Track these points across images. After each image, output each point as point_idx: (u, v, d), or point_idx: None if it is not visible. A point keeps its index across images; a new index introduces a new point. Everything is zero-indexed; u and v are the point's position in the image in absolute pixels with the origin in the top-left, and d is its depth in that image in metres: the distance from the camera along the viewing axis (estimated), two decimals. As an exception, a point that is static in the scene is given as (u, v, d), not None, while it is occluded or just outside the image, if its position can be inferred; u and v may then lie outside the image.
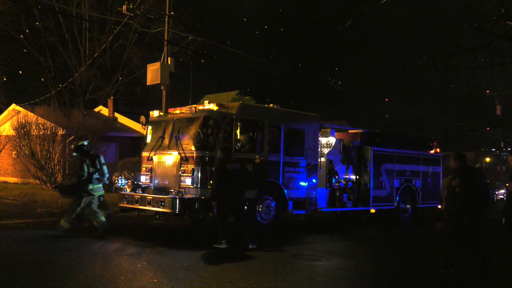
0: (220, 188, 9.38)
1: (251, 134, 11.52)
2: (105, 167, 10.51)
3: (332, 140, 13.92)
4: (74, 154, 11.04)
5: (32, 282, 6.69)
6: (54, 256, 8.51)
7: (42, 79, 33.01)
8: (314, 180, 12.80)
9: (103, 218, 10.33)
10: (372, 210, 14.66)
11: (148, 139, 12.26)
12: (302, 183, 12.49)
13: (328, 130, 13.91)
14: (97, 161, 10.40)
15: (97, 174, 10.33)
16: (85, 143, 10.63)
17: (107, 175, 10.59)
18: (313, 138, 12.98)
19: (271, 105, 12.64)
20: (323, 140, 13.76)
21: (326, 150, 13.77)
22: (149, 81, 18.16)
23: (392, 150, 15.27)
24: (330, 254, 9.57)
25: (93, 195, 10.29)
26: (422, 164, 16.25)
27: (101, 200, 10.74)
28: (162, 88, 18.08)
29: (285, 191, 11.97)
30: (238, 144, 11.06)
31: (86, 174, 10.12)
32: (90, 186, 10.23)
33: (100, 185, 10.46)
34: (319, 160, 13.27)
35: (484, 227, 7.90)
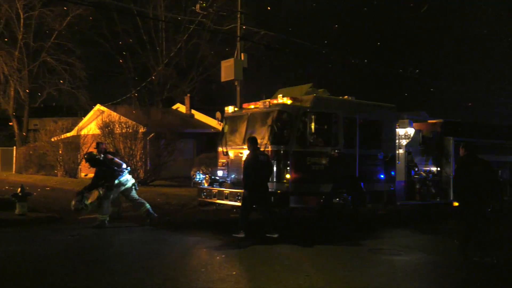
0: (252, 179, 9.64)
1: (325, 127, 11.36)
2: (115, 159, 11.57)
3: (410, 131, 13.44)
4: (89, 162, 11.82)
5: (116, 274, 7.03)
6: (137, 248, 8.92)
7: (124, 80, 34.61)
8: (392, 173, 12.43)
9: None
10: (456, 203, 14.00)
11: (224, 135, 12.48)
12: (379, 176, 12.18)
13: (406, 120, 13.42)
14: (108, 160, 11.31)
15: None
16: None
17: (124, 164, 11.57)
18: (390, 129, 12.61)
19: (346, 97, 12.42)
20: (400, 131, 13.32)
21: (404, 142, 13.31)
22: (223, 78, 18.46)
23: (476, 140, 14.49)
24: (410, 248, 9.28)
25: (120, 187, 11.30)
26: (511, 154, 15.30)
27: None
28: (236, 84, 18.32)
29: (362, 184, 11.73)
30: (313, 137, 10.96)
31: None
32: (117, 181, 11.19)
33: (124, 176, 11.36)
34: (397, 152, 12.87)
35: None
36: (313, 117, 10.93)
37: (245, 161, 10.08)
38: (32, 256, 8.13)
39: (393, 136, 12.70)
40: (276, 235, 9.47)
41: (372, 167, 12.12)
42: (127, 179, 11.51)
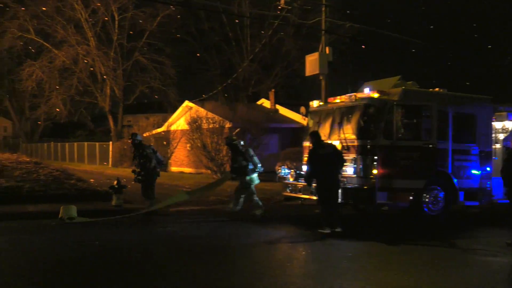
0: (312, 173, 9.64)
1: (415, 121, 10.90)
2: (255, 158, 11.38)
3: (508, 124, 12.56)
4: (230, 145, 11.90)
5: (207, 264, 7.22)
6: (226, 241, 9.12)
7: (210, 76, 35.57)
8: (488, 169, 11.71)
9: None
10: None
11: (309, 129, 12.39)
12: (474, 172, 11.52)
13: (504, 113, 12.56)
14: (247, 154, 11.28)
15: (251, 165, 11.20)
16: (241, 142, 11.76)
17: (260, 165, 11.43)
18: (485, 122, 11.87)
19: (437, 89, 11.86)
20: (497, 124, 12.49)
21: (501, 136, 12.47)
22: (307, 72, 18.36)
23: None
24: (508, 249, 8.66)
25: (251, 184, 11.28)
26: None
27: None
28: (320, 78, 18.14)
29: (455, 180, 11.14)
30: (401, 131, 10.58)
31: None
32: (247, 178, 11.18)
33: (254, 175, 11.36)
34: (494, 146, 12.09)
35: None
36: (401, 110, 10.54)
37: (307, 156, 10.19)
38: (127, 244, 8.58)
39: (489, 129, 11.95)
40: (327, 231, 9.23)
41: (465, 163, 11.49)
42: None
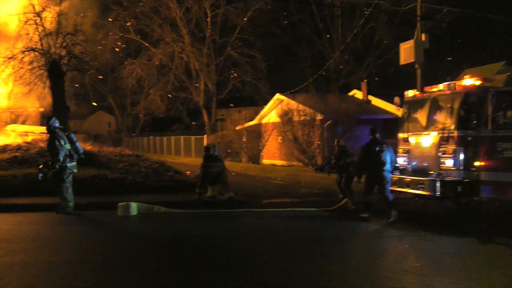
0: (362, 166, 10.61)
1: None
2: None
3: None
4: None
5: (299, 257, 7.23)
6: (318, 234, 9.07)
7: (300, 69, 35.51)
8: None
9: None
10: None
11: (404, 120, 11.94)
12: None
13: None
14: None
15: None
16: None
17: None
18: None
19: (550, 74, 10.88)
20: None
21: None
22: (402, 61, 17.65)
23: None
24: None
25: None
26: None
27: None
28: (416, 66, 17.37)
29: None
30: (507, 120, 9.82)
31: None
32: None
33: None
34: None
35: None
36: (507, 98, 9.79)
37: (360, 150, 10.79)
38: (222, 234, 8.83)
39: None
40: (366, 215, 10.20)
41: None
42: None
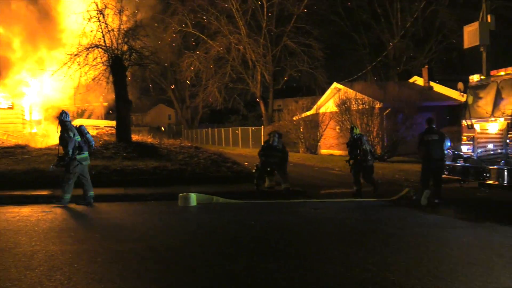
0: (421, 154, 10.91)
1: None
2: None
3: None
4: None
5: (356, 246, 7.13)
6: (379, 224, 8.91)
7: (358, 56, 34.82)
8: None
9: None
10: None
11: (468, 106, 11.45)
12: None
13: None
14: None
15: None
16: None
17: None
18: None
19: None
20: None
21: None
22: (466, 44, 16.92)
23: None
24: None
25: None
26: None
27: None
28: (481, 49, 16.61)
29: None
30: None
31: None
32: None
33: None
34: None
35: None
36: None
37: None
38: (280, 224, 8.86)
39: None
40: (437, 201, 10.49)
41: None
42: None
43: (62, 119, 10.74)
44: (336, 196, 12.18)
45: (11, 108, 23.51)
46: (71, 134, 10.54)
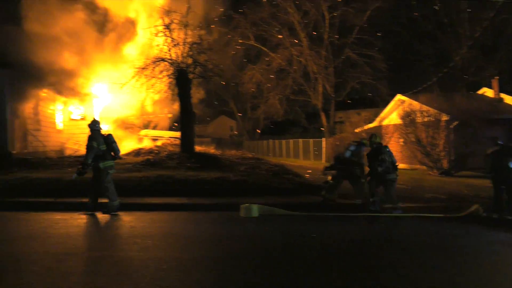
0: (488, 165, 11.09)
1: None
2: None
3: None
4: None
5: (421, 263, 6.89)
6: (446, 240, 8.59)
7: (423, 67, 33.88)
8: None
9: None
10: None
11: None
12: None
13: None
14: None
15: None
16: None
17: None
18: None
19: None
20: None
21: None
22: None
23: None
24: None
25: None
26: None
27: None
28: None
29: None
30: None
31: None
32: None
33: None
34: None
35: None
36: None
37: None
38: (343, 238, 8.72)
39: None
40: (495, 216, 10.60)
41: None
42: None
43: (92, 127, 11.10)
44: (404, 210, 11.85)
45: (83, 119, 24.74)
46: (94, 144, 10.81)
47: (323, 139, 33.79)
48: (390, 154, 11.78)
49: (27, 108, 18.52)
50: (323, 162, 31.69)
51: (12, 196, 12.21)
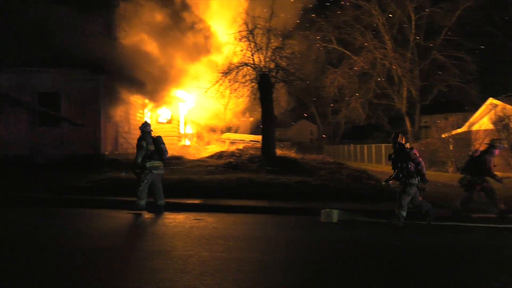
0: None
1: None
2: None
3: None
4: None
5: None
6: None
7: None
8: None
9: None
10: None
11: None
12: None
13: None
14: None
15: None
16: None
17: None
18: None
19: None
20: None
21: None
22: None
23: None
24: None
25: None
26: None
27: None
28: None
29: None
30: None
31: None
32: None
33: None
34: None
35: None
36: None
37: None
38: (424, 247, 8.39)
39: None
40: None
41: None
42: None
43: (142, 128, 11.48)
44: (490, 221, 11.18)
45: (169, 122, 25.78)
46: (143, 144, 11.17)
47: (407, 144, 32.62)
48: (412, 159, 10.53)
49: (119, 112, 19.60)
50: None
51: (102, 195, 12.99)
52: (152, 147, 11.32)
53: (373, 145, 40.01)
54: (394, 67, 33.54)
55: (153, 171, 11.29)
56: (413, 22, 32.83)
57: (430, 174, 25.35)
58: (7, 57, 17.12)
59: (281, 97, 21.63)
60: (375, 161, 38.00)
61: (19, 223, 10.01)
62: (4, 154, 17.57)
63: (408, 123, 35.34)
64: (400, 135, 10.75)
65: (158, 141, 11.47)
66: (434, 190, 12.34)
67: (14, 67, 17.51)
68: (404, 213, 10.35)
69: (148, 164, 11.23)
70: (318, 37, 35.32)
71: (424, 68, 33.76)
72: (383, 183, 10.90)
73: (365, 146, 41.82)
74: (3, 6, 17.30)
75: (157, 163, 11.40)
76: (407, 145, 10.75)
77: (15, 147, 17.72)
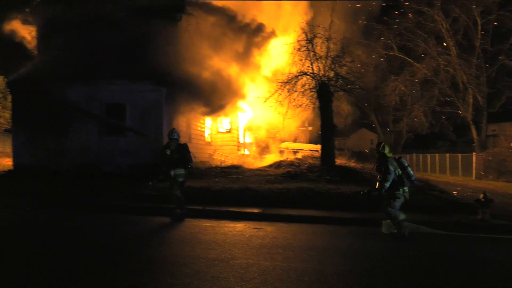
0: None
1: None
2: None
3: None
4: None
5: None
6: None
7: None
8: None
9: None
10: None
11: None
12: None
13: None
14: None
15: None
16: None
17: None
18: None
19: None
20: None
21: None
22: None
23: None
24: None
25: None
26: None
27: None
28: None
29: None
30: None
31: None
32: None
33: None
34: None
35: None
36: None
37: None
38: (497, 262, 8.04)
39: None
40: None
41: None
42: None
43: (169, 136, 11.64)
44: None
45: (228, 132, 26.17)
46: (167, 152, 11.33)
47: (474, 154, 31.38)
48: (400, 165, 10.14)
49: (180, 122, 20.10)
50: (473, 179, 29.48)
51: (165, 203, 13.33)
52: (176, 155, 11.52)
53: (437, 155, 38.71)
54: (458, 73, 32.41)
55: (178, 179, 11.53)
56: (479, 27, 31.64)
57: (498, 185, 24.28)
58: (82, 72, 18.04)
59: (341, 106, 21.45)
60: (438, 171, 36.75)
61: (100, 229, 10.49)
62: (74, 162, 18.46)
63: (474, 132, 33.98)
64: (384, 144, 10.48)
65: (184, 149, 11.57)
66: (503, 202, 11.77)
67: (86, 80, 18.39)
68: (403, 217, 10.14)
69: (172, 173, 11.45)
70: (379, 45, 34.80)
71: (491, 74, 32.40)
72: (375, 193, 10.44)
73: (428, 155, 40.53)
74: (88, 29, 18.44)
75: (181, 171, 11.55)
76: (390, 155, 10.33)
77: (84, 156, 18.56)
